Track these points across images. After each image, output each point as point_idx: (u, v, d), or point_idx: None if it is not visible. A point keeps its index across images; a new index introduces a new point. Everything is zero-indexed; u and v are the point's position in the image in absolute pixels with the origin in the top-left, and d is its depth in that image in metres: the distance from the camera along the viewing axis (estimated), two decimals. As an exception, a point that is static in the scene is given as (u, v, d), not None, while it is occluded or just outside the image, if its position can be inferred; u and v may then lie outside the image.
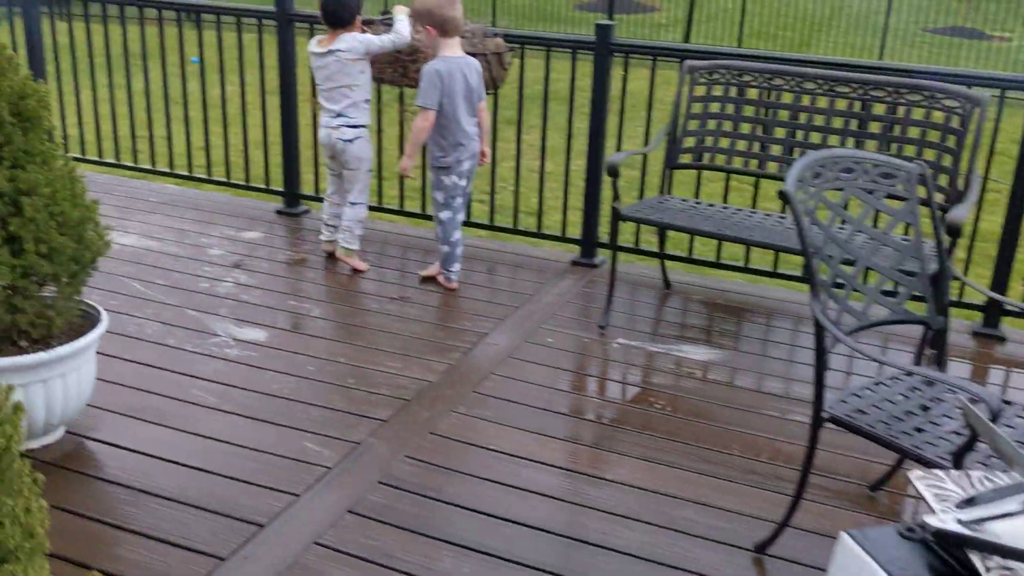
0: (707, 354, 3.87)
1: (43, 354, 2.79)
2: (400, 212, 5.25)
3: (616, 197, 3.90)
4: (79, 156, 5.92)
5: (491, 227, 5.07)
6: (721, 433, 3.27)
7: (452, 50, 4.11)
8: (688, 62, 4.19)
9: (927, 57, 15.16)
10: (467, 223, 4.99)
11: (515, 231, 5.03)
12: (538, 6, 18.35)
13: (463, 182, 4.30)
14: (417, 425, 3.24)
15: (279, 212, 5.36)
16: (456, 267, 4.42)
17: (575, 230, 4.90)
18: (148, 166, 5.77)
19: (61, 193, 2.77)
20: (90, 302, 3.12)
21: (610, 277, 4.09)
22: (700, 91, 4.23)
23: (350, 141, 4.43)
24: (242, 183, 5.55)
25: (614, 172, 3.84)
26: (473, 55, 4.39)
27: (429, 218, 5.15)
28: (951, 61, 14.94)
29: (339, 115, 4.40)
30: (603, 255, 4.85)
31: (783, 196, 2.31)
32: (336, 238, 4.66)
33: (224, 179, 5.58)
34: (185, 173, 5.68)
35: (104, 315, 3.07)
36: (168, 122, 5.62)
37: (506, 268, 4.73)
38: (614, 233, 4.01)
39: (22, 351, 2.85)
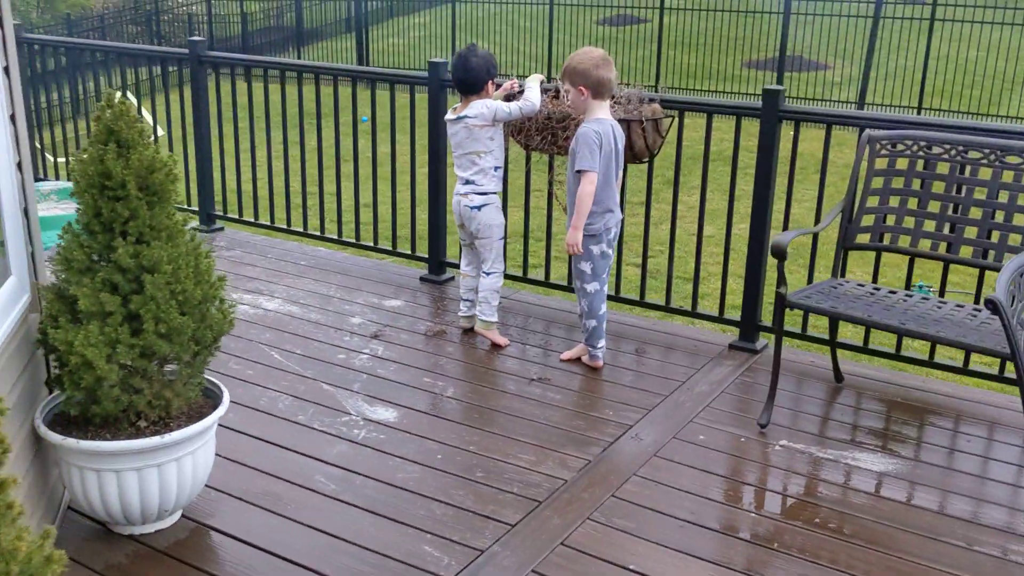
0: (883, 463, 3.39)
1: (158, 439, 2.66)
2: (546, 284, 4.99)
3: (782, 281, 3.50)
4: (236, 217, 6.01)
5: (641, 303, 4.73)
6: (896, 564, 2.79)
7: (604, 112, 3.87)
8: (868, 132, 3.76)
9: None
10: (615, 298, 4.69)
11: (667, 309, 4.67)
12: (705, 64, 18.03)
13: (611, 251, 4.02)
14: (548, 534, 2.92)
15: (423, 279, 5.22)
16: (602, 343, 4.11)
17: (735, 306, 4.50)
18: (300, 228, 5.77)
19: (184, 270, 2.65)
20: (213, 380, 3.00)
21: (773, 368, 3.67)
22: (881, 163, 3.79)
23: (478, 208, 4.26)
24: (389, 249, 5.44)
25: (781, 254, 3.44)
26: (628, 122, 4.12)
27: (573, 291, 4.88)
28: None
29: (468, 182, 4.26)
30: (765, 339, 4.43)
31: (991, 305, 1.89)
32: (473, 313, 4.45)
33: (372, 244, 5.49)
34: (334, 237, 5.63)
35: (226, 395, 2.93)
36: (321, 181, 5.60)
37: (656, 349, 4.38)
38: (779, 320, 3.60)
39: (139, 432, 2.73)
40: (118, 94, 2.67)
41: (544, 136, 4.30)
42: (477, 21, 20.01)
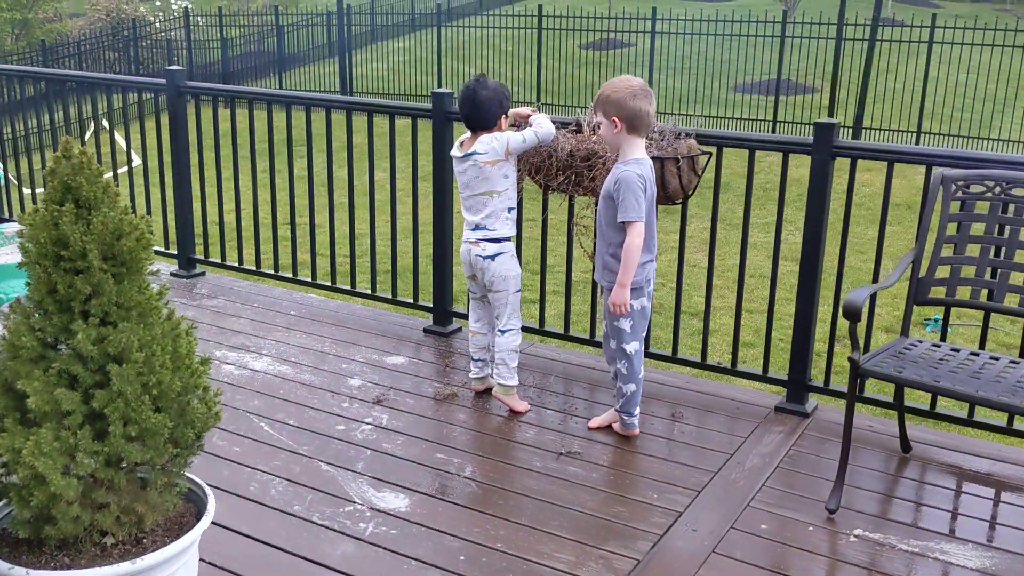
0: (978, 558, 2.91)
1: (128, 564, 2.15)
2: (565, 336, 4.51)
3: (856, 346, 3.04)
4: (219, 261, 5.50)
5: (674, 359, 4.25)
6: None
7: (640, 150, 3.41)
8: (941, 172, 3.32)
9: None
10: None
11: (703, 366, 4.20)
12: (695, 89, 17.71)
13: (650, 304, 3.55)
14: (602, 665, 2.43)
15: (428, 331, 4.73)
16: (638, 411, 3.63)
17: (780, 362, 4.03)
18: (289, 274, 5.27)
19: (159, 357, 2.15)
20: (194, 479, 2.49)
21: (843, 445, 3.19)
22: (957, 206, 3.35)
23: (491, 258, 3.78)
24: (388, 297, 4.95)
25: (855, 315, 2.98)
26: (662, 160, 3.67)
27: (596, 344, 4.40)
28: None
29: (478, 227, 3.79)
30: (815, 400, 3.96)
31: None
32: (486, 373, 3.97)
33: (369, 291, 5.00)
34: (328, 283, 5.13)
35: (210, 502, 2.42)
36: (312, 221, 5.10)
37: (694, 412, 3.90)
38: (852, 392, 3.12)
39: (105, 552, 2.22)
40: (78, 142, 2.17)
41: (568, 176, 3.84)
42: (461, 45, 19.63)
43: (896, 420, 3.63)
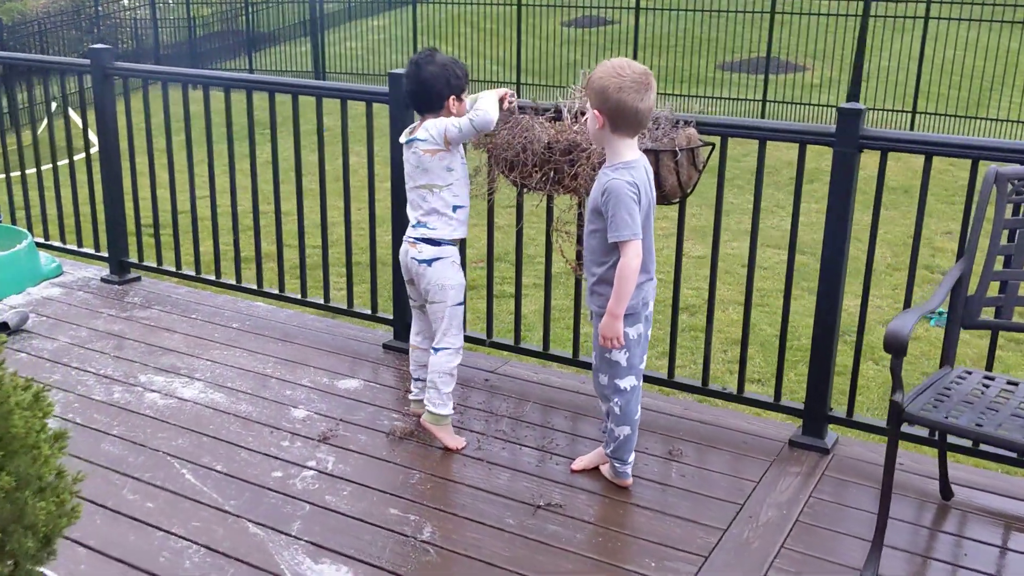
0: (1052, 647, 2.37)
1: None
2: (544, 355, 3.92)
3: (898, 386, 2.47)
4: (155, 266, 4.88)
5: (670, 383, 3.68)
6: None
7: (631, 151, 2.80)
8: (995, 168, 2.75)
9: None
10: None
11: (704, 391, 3.63)
12: (679, 67, 17.10)
13: (649, 331, 2.96)
14: None
15: (388, 347, 4.13)
16: (632, 458, 3.05)
17: (795, 388, 3.47)
18: (232, 280, 4.65)
19: (-22, 444, 1.56)
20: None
21: (882, 502, 2.62)
22: (1011, 210, 2.78)
23: (427, 263, 3.24)
24: (343, 307, 4.35)
25: (899, 348, 2.41)
26: (656, 153, 3.09)
27: (581, 364, 3.83)
28: None
29: (417, 223, 3.27)
30: (835, 432, 3.40)
31: None
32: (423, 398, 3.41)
33: (322, 301, 4.39)
34: (275, 291, 4.52)
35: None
36: (256, 220, 4.48)
37: (694, 448, 3.34)
38: (894, 442, 2.55)
39: None
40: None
41: (545, 172, 3.25)
42: (439, 24, 18.93)
43: (934, 458, 3.08)
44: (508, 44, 17.57)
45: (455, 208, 3.25)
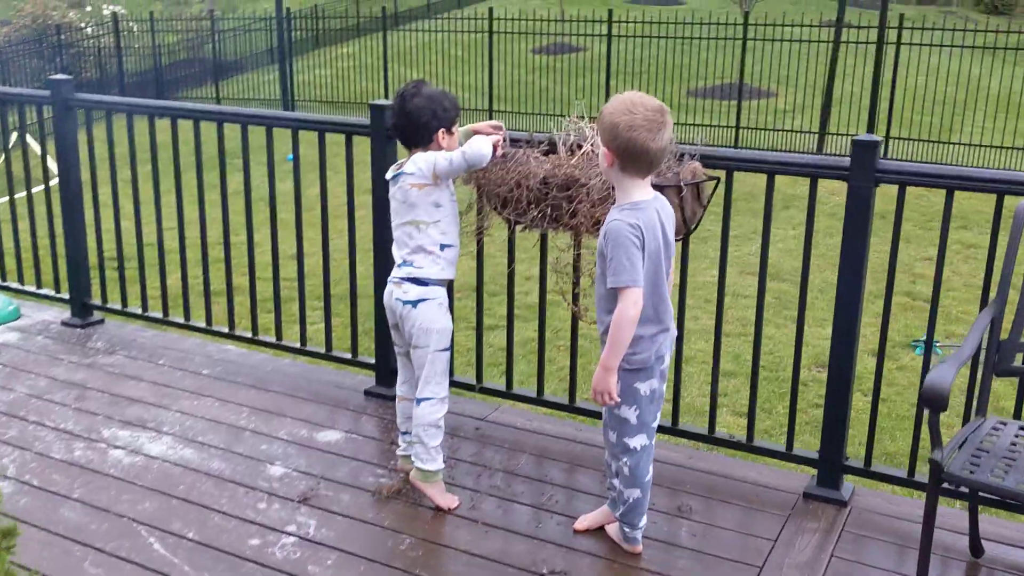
0: None
1: None
2: (538, 401, 3.70)
3: (937, 442, 2.27)
4: (119, 308, 4.60)
5: (674, 431, 3.47)
6: None
7: (642, 191, 2.59)
8: (1027, 204, 2.58)
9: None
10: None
11: (711, 440, 3.42)
12: (650, 94, 16.97)
13: (663, 386, 2.74)
14: None
15: (370, 393, 3.89)
16: (644, 522, 2.81)
17: (783, 421, 3.27)
18: (202, 323, 4.39)
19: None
20: None
21: (920, 564, 2.41)
22: (1045, 249, 2.61)
23: (412, 304, 3.01)
24: (321, 352, 4.09)
25: (939, 404, 2.21)
26: (660, 188, 2.89)
27: (577, 411, 3.61)
28: None
29: (403, 263, 3.05)
30: (851, 482, 3.20)
31: None
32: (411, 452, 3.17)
33: (299, 344, 4.14)
34: (248, 335, 4.26)
35: None
36: (228, 257, 4.23)
37: (701, 502, 3.12)
38: (932, 505, 2.35)
39: None
40: None
41: (541, 209, 3.03)
42: (409, 51, 18.78)
43: (960, 511, 2.88)
44: (479, 71, 17.46)
45: (443, 247, 3.03)
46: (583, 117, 3.22)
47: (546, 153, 3.19)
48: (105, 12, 22.24)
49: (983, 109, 14.87)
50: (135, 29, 21.30)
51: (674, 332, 2.71)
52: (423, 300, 3.00)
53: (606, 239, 2.52)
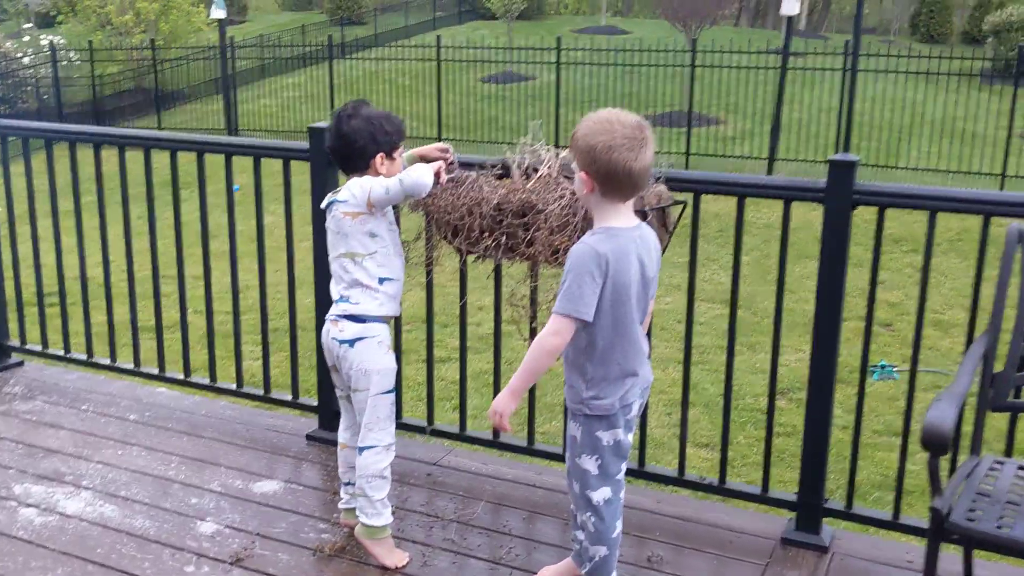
0: None
1: None
2: (494, 444, 3.44)
3: (937, 489, 2.06)
4: (39, 349, 4.25)
5: (641, 474, 3.23)
6: None
7: (622, 217, 2.36)
8: (1018, 227, 2.40)
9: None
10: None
11: (680, 482, 3.19)
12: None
13: (630, 437, 2.49)
14: None
15: (312, 438, 3.60)
16: (612, 580, 2.56)
17: (746, 452, 3.06)
18: (129, 364, 4.06)
19: None
20: None
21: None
22: (1036, 274, 2.43)
23: (349, 344, 2.75)
24: (259, 394, 3.80)
25: (940, 446, 2.00)
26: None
27: (536, 453, 3.36)
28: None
29: (340, 299, 2.79)
30: (831, 526, 2.98)
31: None
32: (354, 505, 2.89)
33: (234, 386, 3.83)
34: (179, 376, 3.95)
35: None
36: (157, 291, 3.92)
37: (671, 551, 2.88)
38: (933, 556, 2.14)
39: None
40: None
41: (495, 238, 2.80)
42: (356, 80, 18.55)
43: (955, 553, 2.68)
44: (427, 100, 17.28)
45: (382, 280, 2.76)
46: (539, 139, 3.01)
47: (500, 177, 2.96)
48: (43, 42, 21.66)
49: (925, 135, 15.04)
50: (76, 60, 20.78)
51: (648, 378, 2.46)
52: (360, 339, 2.73)
53: (568, 259, 2.28)
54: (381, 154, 2.75)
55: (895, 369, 6.74)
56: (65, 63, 20.36)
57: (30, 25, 26.87)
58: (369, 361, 2.74)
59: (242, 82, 20.25)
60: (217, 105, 19.15)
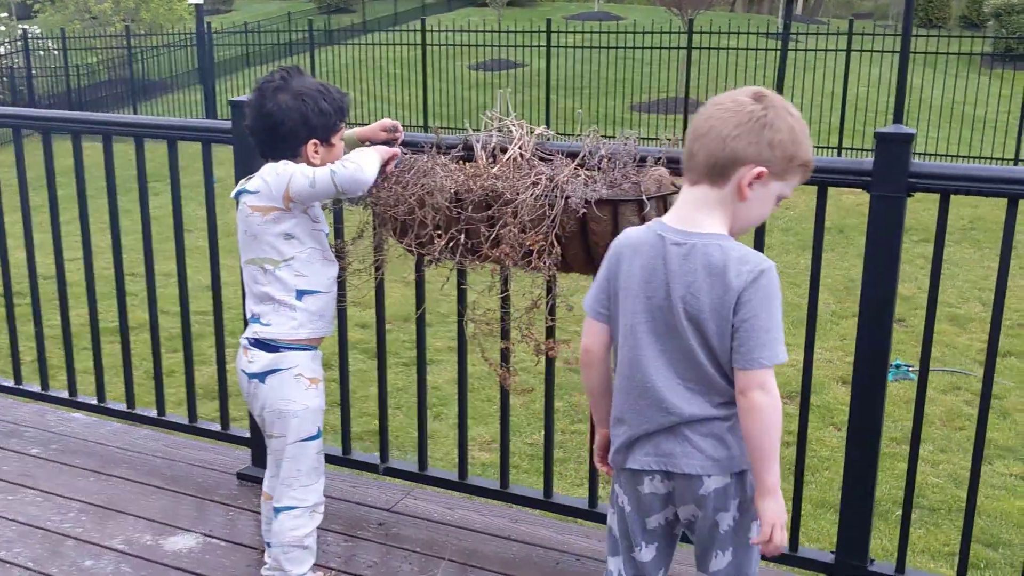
0: None
1: None
2: (461, 485, 2.84)
3: None
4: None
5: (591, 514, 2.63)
6: None
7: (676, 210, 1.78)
8: None
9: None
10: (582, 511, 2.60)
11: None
12: (591, 108, 16.43)
13: (643, 553, 1.82)
14: None
15: (244, 477, 3.00)
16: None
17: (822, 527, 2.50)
18: (36, 387, 3.46)
19: None
20: None
21: None
22: None
23: (259, 379, 2.17)
24: (183, 423, 3.19)
25: None
26: (614, 203, 2.09)
27: (511, 498, 2.76)
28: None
29: (252, 317, 2.21)
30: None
31: None
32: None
33: (155, 413, 3.23)
34: (92, 401, 3.34)
35: None
36: (64, 303, 3.32)
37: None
38: None
39: None
40: None
41: (453, 236, 2.20)
42: (341, 69, 17.89)
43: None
44: (415, 88, 16.65)
45: (300, 295, 2.16)
46: (509, 114, 2.42)
47: (462, 161, 2.37)
48: (19, 30, 20.95)
49: (927, 119, 14.47)
50: (54, 50, 20.09)
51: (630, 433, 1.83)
52: (273, 372, 2.14)
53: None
54: (315, 141, 2.15)
55: (910, 369, 6.18)
56: (42, 52, 19.69)
57: (6, 15, 26.12)
58: (284, 400, 2.14)
59: (224, 72, 19.59)
60: (198, 95, 18.49)
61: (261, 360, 2.14)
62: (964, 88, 14.41)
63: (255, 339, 2.15)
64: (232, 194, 2.19)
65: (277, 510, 2.18)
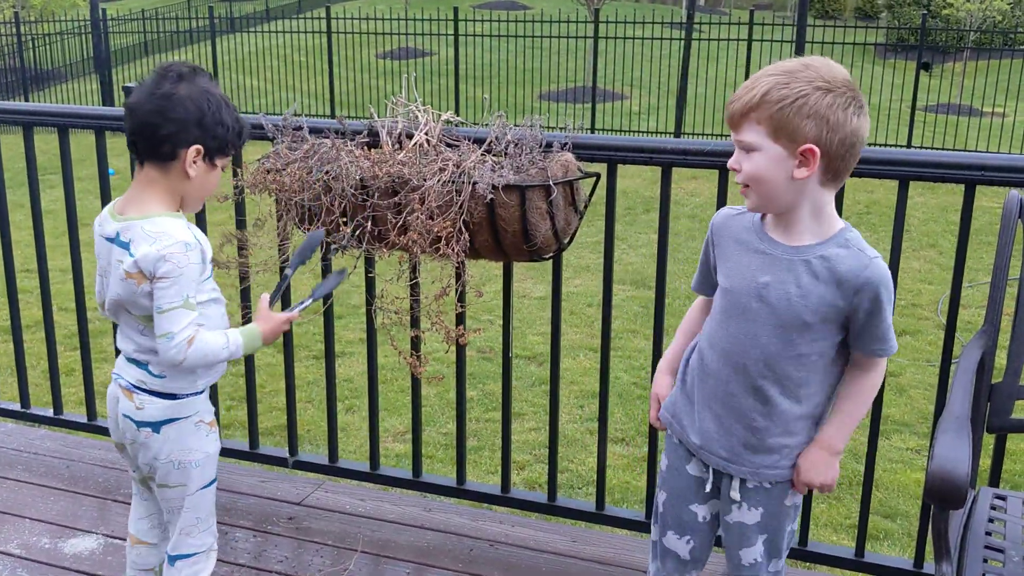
0: None
1: None
2: (373, 477, 2.81)
3: (946, 551, 1.53)
4: None
5: (550, 508, 2.65)
6: None
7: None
8: (1019, 196, 1.89)
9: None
10: (577, 512, 2.61)
11: (599, 517, 2.62)
12: (499, 97, 16.45)
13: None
14: None
15: (149, 475, 2.91)
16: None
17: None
18: (-77, 388, 3.30)
19: None
20: None
21: None
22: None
23: (153, 428, 1.92)
24: (81, 420, 3.08)
25: (953, 499, 1.46)
26: (521, 190, 2.10)
27: (424, 487, 2.75)
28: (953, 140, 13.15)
29: (134, 362, 1.93)
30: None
31: None
32: None
33: (51, 413, 3.11)
34: (16, 407, 3.20)
35: None
36: None
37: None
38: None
39: None
40: None
41: (359, 223, 2.17)
42: (245, 57, 17.49)
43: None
44: (320, 76, 16.39)
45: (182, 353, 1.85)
46: (414, 100, 2.41)
47: (366, 147, 2.34)
48: None
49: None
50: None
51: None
52: (171, 421, 1.92)
53: (876, 281, 1.60)
54: (199, 147, 1.83)
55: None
56: (-79, 40, 18.72)
57: None
58: (184, 451, 1.93)
59: (121, 61, 18.95)
60: (94, 85, 17.85)
61: (154, 407, 1.91)
62: (859, 77, 14.91)
63: (146, 388, 1.90)
64: (98, 231, 1.89)
65: (174, 558, 2.02)
